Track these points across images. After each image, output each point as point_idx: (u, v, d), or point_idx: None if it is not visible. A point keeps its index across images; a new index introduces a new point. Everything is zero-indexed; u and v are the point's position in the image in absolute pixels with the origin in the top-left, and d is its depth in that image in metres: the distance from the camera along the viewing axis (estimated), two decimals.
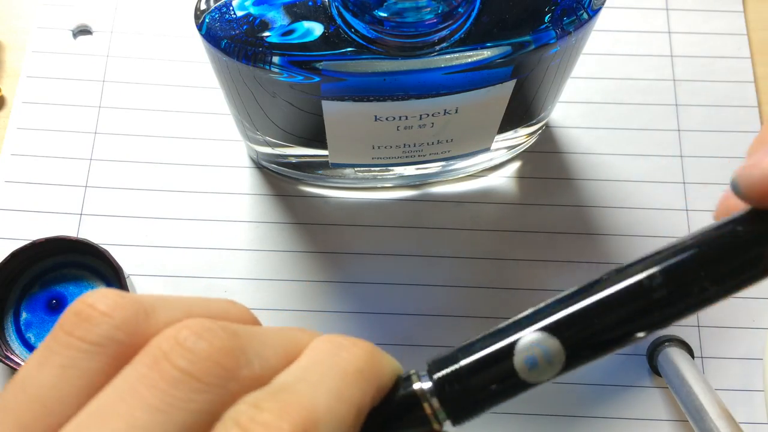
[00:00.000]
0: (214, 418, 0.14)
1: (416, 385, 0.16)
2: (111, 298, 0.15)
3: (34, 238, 0.37)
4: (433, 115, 0.32)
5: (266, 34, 0.28)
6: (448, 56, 0.28)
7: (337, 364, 0.16)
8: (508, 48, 0.28)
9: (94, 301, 0.15)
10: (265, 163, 0.40)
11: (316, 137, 0.34)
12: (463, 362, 0.17)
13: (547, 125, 0.42)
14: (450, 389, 0.16)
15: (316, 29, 0.28)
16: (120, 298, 0.15)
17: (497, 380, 0.16)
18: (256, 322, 0.18)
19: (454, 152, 0.37)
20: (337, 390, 0.15)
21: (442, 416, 0.16)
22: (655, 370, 0.37)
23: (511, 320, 0.17)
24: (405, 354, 0.38)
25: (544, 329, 0.16)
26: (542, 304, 0.17)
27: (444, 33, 0.27)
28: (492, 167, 0.41)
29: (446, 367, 0.17)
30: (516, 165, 0.42)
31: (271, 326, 0.17)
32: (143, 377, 0.14)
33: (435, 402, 0.16)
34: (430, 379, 0.16)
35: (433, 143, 0.35)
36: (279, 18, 0.28)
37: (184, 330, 0.15)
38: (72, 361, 0.14)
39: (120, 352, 0.15)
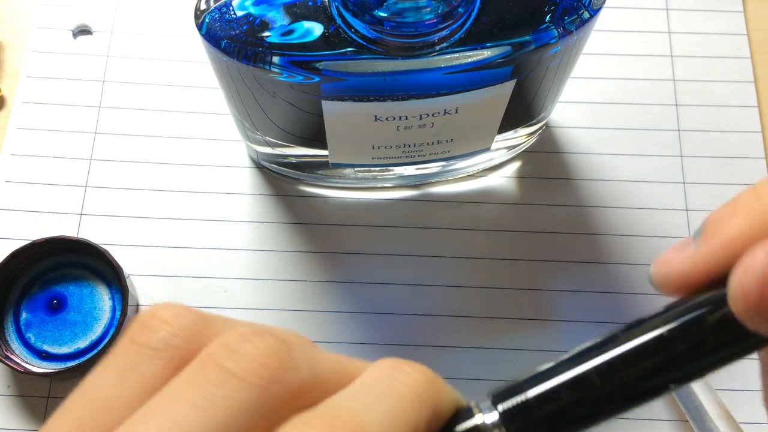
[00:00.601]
0: (259, 420, 0.14)
1: (478, 417, 0.16)
2: (173, 309, 0.16)
3: (34, 238, 0.37)
4: (433, 115, 0.32)
5: (266, 34, 0.28)
6: (448, 56, 0.28)
7: (393, 386, 0.15)
8: (508, 48, 0.28)
9: (157, 311, 0.16)
10: (265, 163, 0.40)
11: (316, 137, 0.34)
12: (531, 392, 0.16)
13: (547, 125, 0.42)
14: (518, 421, 0.15)
15: (316, 29, 0.28)
16: (182, 309, 0.16)
17: (571, 407, 0.15)
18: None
19: (454, 152, 0.37)
20: (392, 412, 0.15)
21: None
22: None
23: (576, 350, 0.16)
24: (405, 354, 0.38)
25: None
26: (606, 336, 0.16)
27: (444, 33, 0.27)
28: (492, 167, 0.41)
29: (511, 397, 0.16)
30: (516, 165, 0.42)
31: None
32: (191, 378, 0.14)
33: None
34: (495, 409, 0.16)
35: (433, 143, 0.35)
36: (279, 18, 0.28)
37: (234, 334, 0.15)
38: (131, 364, 0.15)
39: (178, 356, 0.15)
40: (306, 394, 0.15)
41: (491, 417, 0.16)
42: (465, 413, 0.16)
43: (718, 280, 0.16)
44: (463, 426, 0.16)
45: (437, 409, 0.16)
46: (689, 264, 0.17)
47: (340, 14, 0.27)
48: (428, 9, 0.26)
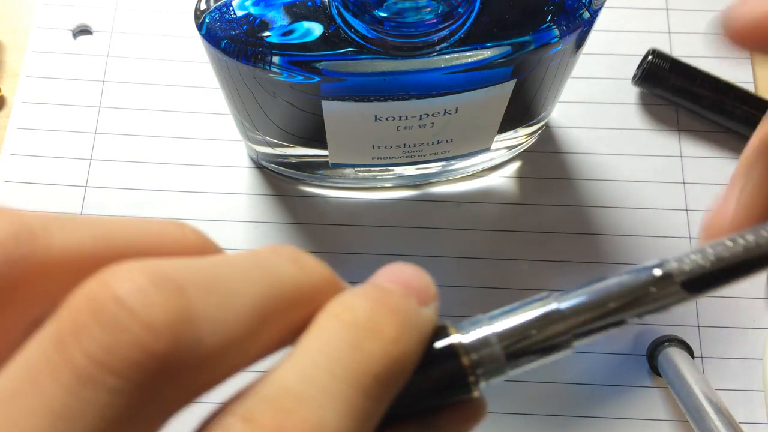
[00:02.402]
0: (137, 423, 0.10)
1: (455, 336, 0.15)
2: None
3: None
4: (433, 115, 0.32)
5: (266, 34, 0.28)
6: (448, 56, 0.28)
7: (357, 363, 0.12)
8: (508, 48, 0.28)
9: None
10: (265, 163, 0.40)
11: (316, 137, 0.34)
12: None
13: (547, 125, 0.42)
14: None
15: (316, 29, 0.28)
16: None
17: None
18: (216, 250, 0.14)
19: (454, 152, 0.37)
20: (353, 403, 0.12)
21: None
22: (655, 370, 0.37)
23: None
24: None
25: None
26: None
27: (444, 33, 0.27)
28: (492, 167, 0.41)
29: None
30: (516, 165, 0.42)
31: (247, 256, 0.13)
32: (48, 360, 0.10)
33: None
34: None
35: (433, 143, 0.35)
36: (279, 18, 0.28)
37: (103, 289, 0.11)
38: None
39: None
40: (210, 370, 0.11)
41: (467, 338, 0.15)
42: (441, 332, 0.15)
43: None
44: (440, 343, 0.15)
45: (418, 354, 0.13)
46: (719, 215, 0.16)
47: (340, 14, 0.27)
48: (428, 9, 0.26)
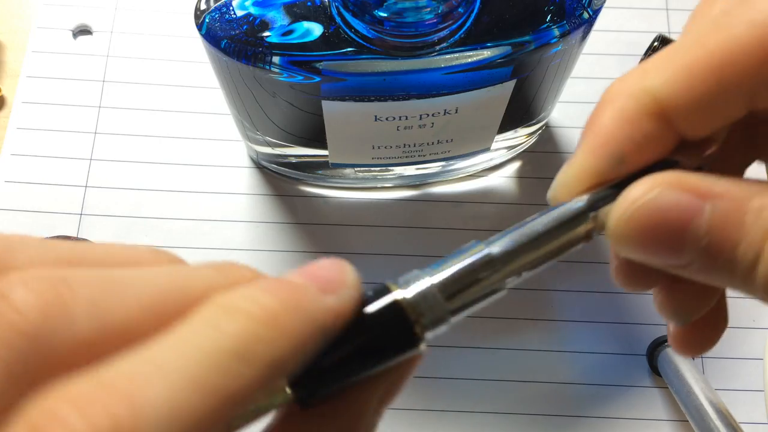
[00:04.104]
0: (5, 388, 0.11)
1: (397, 293, 0.15)
2: None
3: None
4: (433, 115, 0.32)
5: (266, 34, 0.28)
6: (448, 56, 0.28)
7: (208, 339, 0.12)
8: (508, 48, 0.28)
9: None
10: (265, 163, 0.40)
11: (316, 137, 0.34)
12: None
13: (547, 125, 0.42)
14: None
15: (316, 29, 0.28)
16: None
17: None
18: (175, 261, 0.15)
19: (454, 152, 0.37)
20: (193, 376, 0.11)
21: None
22: (655, 370, 0.37)
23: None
24: None
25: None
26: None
27: (444, 33, 0.27)
28: (492, 167, 0.41)
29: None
30: (516, 165, 0.42)
31: (166, 265, 0.14)
32: None
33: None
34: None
35: (433, 143, 0.35)
36: (279, 18, 0.28)
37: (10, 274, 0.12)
38: None
39: None
40: (92, 350, 0.12)
41: (408, 292, 0.15)
42: (382, 291, 0.16)
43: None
44: (379, 303, 0.15)
45: (277, 362, 0.13)
46: (567, 171, 0.17)
47: (340, 14, 0.27)
48: (428, 9, 0.26)
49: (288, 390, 0.14)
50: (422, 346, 0.15)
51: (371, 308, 0.15)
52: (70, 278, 0.12)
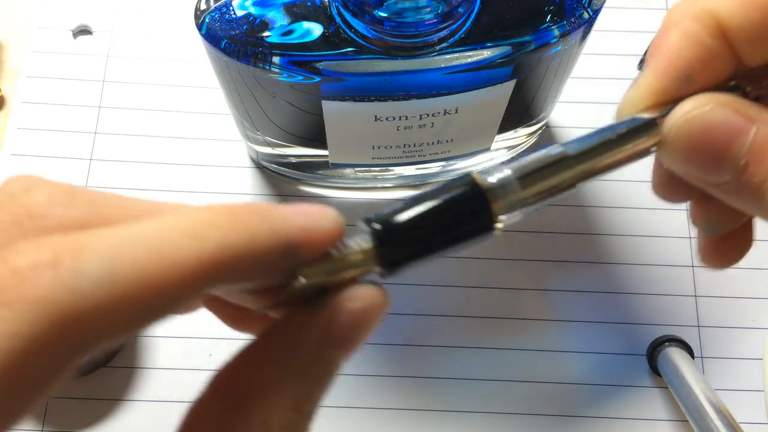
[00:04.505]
0: None
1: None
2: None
3: None
4: (433, 115, 0.32)
5: (266, 34, 0.28)
6: (448, 56, 0.28)
7: (168, 218, 0.14)
8: (508, 48, 0.28)
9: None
10: (265, 163, 0.40)
11: (316, 137, 0.34)
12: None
13: (547, 125, 0.42)
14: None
15: (316, 29, 0.28)
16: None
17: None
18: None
19: (454, 152, 0.37)
20: (141, 237, 0.13)
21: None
22: (655, 370, 0.37)
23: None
24: (405, 354, 0.38)
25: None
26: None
27: (444, 33, 0.27)
28: None
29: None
30: None
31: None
32: None
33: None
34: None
35: (433, 143, 0.35)
36: (279, 18, 0.28)
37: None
38: None
39: None
40: (55, 228, 0.14)
41: (487, 178, 0.17)
42: (464, 176, 0.17)
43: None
44: (461, 186, 0.16)
45: (264, 234, 0.14)
46: (635, 89, 0.18)
47: (340, 14, 0.27)
48: (428, 9, 0.26)
49: (374, 260, 0.16)
50: (497, 232, 0.16)
51: (455, 191, 0.16)
52: (82, 188, 0.15)
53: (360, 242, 0.16)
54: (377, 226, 0.16)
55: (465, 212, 0.16)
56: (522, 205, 0.17)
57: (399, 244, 0.16)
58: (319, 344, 0.15)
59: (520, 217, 0.17)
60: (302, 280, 0.15)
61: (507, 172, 0.17)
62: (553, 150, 0.17)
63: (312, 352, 0.15)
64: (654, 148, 0.18)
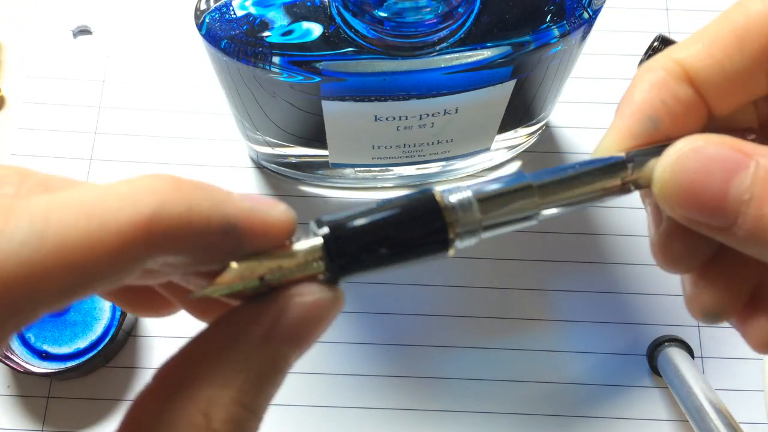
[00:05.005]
0: None
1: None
2: None
3: None
4: (433, 115, 0.32)
5: (266, 34, 0.28)
6: (448, 56, 0.28)
7: (118, 182, 0.14)
8: (508, 48, 0.28)
9: None
10: (265, 163, 0.40)
11: (316, 137, 0.34)
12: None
13: (547, 125, 0.42)
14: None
15: (316, 29, 0.28)
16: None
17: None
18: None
19: (454, 152, 0.37)
20: (82, 204, 0.13)
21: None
22: (655, 370, 0.37)
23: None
24: (405, 354, 0.38)
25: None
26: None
27: (444, 33, 0.27)
28: (492, 167, 0.41)
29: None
30: (516, 165, 0.42)
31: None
32: None
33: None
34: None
35: (433, 143, 0.35)
36: (279, 18, 0.28)
37: None
38: None
39: None
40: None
41: (448, 198, 0.16)
42: (425, 191, 0.16)
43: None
44: (420, 201, 0.16)
45: (192, 208, 0.14)
46: (604, 136, 0.18)
47: (340, 14, 0.27)
48: (428, 9, 0.26)
49: (322, 262, 0.15)
50: (450, 251, 0.16)
51: (412, 204, 0.16)
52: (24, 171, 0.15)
53: (308, 244, 0.16)
54: (326, 230, 0.15)
55: (420, 228, 0.16)
56: (479, 228, 0.16)
57: (346, 252, 0.15)
58: (265, 338, 0.15)
59: (475, 241, 0.16)
60: (234, 264, 0.15)
61: (468, 193, 0.16)
62: (517, 178, 0.17)
63: (257, 345, 0.15)
64: (619, 194, 0.18)
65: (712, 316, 0.18)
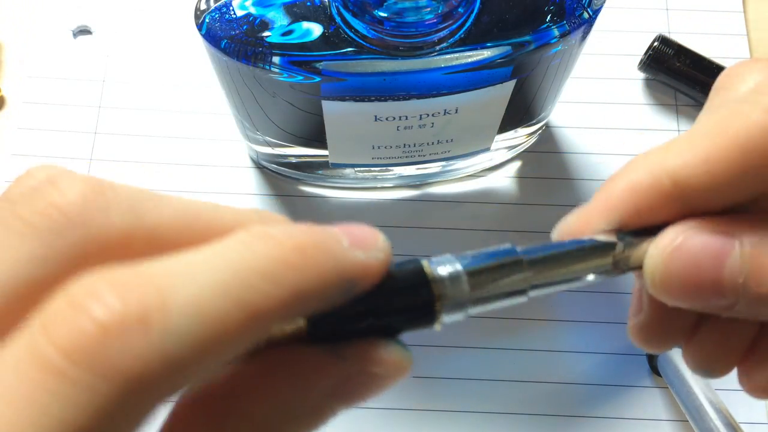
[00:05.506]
0: (46, 270, 0.12)
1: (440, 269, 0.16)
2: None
3: None
4: (433, 115, 0.32)
5: (266, 34, 0.28)
6: (448, 56, 0.28)
7: (240, 256, 0.13)
8: (508, 48, 0.28)
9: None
10: (265, 163, 0.40)
11: (316, 137, 0.34)
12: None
13: (547, 125, 0.42)
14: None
15: (316, 29, 0.28)
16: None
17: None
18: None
19: (454, 152, 0.37)
20: (222, 284, 0.12)
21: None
22: (655, 370, 0.37)
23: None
24: None
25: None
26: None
27: (444, 33, 0.27)
28: (492, 167, 0.41)
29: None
30: (516, 165, 0.42)
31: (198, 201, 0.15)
32: None
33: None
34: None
35: (433, 143, 0.35)
36: (279, 18, 0.28)
37: (40, 172, 0.13)
38: None
39: None
40: (126, 246, 0.13)
41: (436, 270, 0.16)
42: (412, 262, 0.16)
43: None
44: (407, 272, 0.16)
45: (302, 292, 0.13)
46: (572, 219, 0.18)
47: (340, 14, 0.27)
48: (428, 9, 0.26)
49: (302, 322, 0.15)
50: (437, 325, 0.16)
51: (399, 275, 0.15)
52: (113, 183, 0.13)
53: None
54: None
55: (406, 301, 0.15)
56: (467, 305, 0.16)
57: (328, 322, 0.15)
58: (329, 395, 0.14)
59: (463, 317, 0.16)
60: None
61: (458, 267, 0.16)
62: (508, 252, 0.17)
63: (318, 400, 0.14)
64: (612, 274, 0.17)
65: (708, 374, 0.19)
